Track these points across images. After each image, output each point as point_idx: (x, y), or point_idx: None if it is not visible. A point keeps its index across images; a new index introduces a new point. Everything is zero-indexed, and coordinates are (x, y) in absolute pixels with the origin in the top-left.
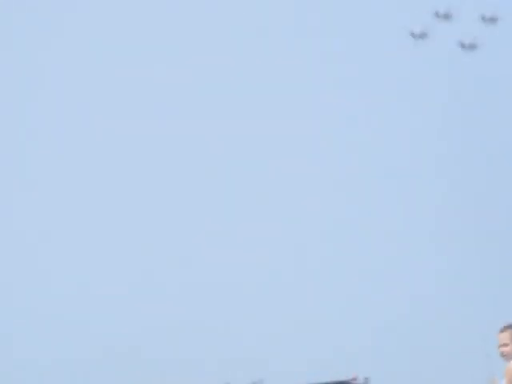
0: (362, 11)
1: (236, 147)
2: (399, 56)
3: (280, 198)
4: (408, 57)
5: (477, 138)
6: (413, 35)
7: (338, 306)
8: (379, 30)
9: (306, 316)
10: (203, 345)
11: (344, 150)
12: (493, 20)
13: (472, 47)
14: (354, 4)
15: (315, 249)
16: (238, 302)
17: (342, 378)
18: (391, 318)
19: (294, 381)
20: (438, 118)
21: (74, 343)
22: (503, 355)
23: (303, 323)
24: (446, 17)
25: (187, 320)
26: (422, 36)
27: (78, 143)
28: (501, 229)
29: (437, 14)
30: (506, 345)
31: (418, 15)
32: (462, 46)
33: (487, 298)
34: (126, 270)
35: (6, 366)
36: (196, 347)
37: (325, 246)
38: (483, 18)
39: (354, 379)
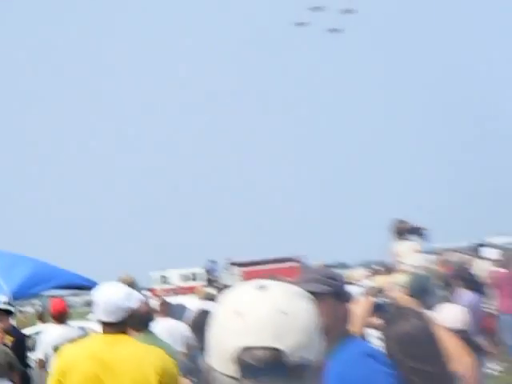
0: (257, 7)
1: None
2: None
3: None
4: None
5: None
6: (296, 24)
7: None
8: (271, 22)
9: None
10: None
11: None
12: (349, 11)
13: (338, 31)
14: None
15: None
16: None
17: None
18: None
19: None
20: None
21: None
22: None
23: None
24: (318, 9)
25: None
26: (304, 24)
27: None
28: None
29: (311, 8)
30: None
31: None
32: (330, 31)
33: None
34: None
35: None
36: None
37: None
38: (342, 10)
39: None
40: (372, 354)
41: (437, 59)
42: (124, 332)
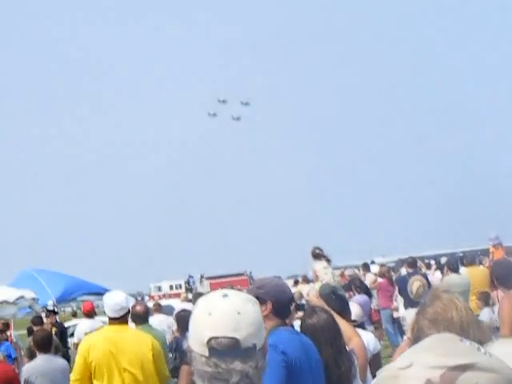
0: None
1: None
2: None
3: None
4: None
5: None
6: (209, 114)
7: None
8: (187, 112)
9: None
10: None
11: None
12: (247, 104)
13: (238, 119)
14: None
15: None
16: None
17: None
18: None
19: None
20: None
21: None
22: None
23: None
24: (224, 101)
25: None
26: (214, 115)
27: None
28: None
29: (219, 100)
30: None
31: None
32: (233, 118)
33: None
34: None
35: None
36: None
37: None
38: (242, 102)
39: (245, 272)
40: (273, 345)
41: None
42: (125, 323)
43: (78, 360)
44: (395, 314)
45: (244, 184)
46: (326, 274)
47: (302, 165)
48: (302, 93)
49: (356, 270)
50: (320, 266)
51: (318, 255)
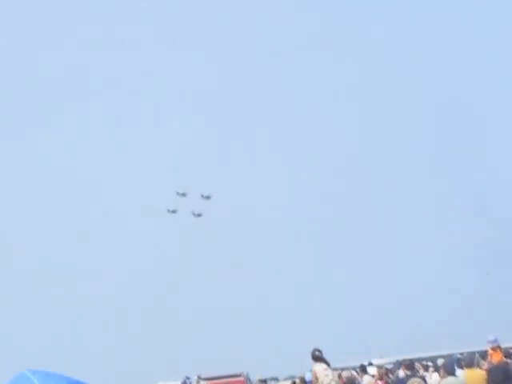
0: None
1: None
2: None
3: None
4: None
5: None
6: (168, 211)
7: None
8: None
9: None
10: None
11: None
12: (208, 197)
13: (199, 215)
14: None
15: None
16: None
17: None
18: None
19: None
20: None
21: None
22: None
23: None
24: (183, 195)
25: None
26: (174, 211)
27: None
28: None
29: (177, 193)
30: None
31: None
32: (193, 214)
33: None
34: None
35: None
36: None
37: None
38: (202, 196)
39: (241, 374)
40: None
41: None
42: None
43: None
44: None
45: (238, 283)
46: (326, 376)
47: (288, 258)
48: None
49: (354, 372)
50: (320, 367)
51: (318, 357)
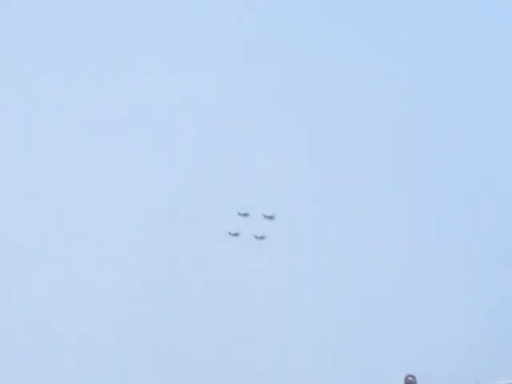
0: None
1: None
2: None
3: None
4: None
5: None
6: (230, 234)
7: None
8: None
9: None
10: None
11: None
12: (271, 217)
13: (262, 238)
14: None
15: None
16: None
17: None
18: None
19: None
20: None
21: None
22: None
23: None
24: (245, 215)
25: None
26: (236, 234)
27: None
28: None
29: (239, 213)
30: None
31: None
32: (256, 237)
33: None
34: None
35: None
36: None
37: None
38: (265, 216)
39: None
40: None
41: None
42: None
43: None
44: None
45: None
46: None
47: None
48: None
49: None
50: None
51: (410, 383)
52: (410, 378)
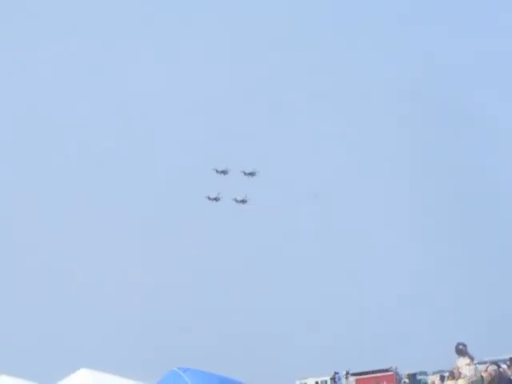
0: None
1: None
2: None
3: None
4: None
5: None
6: (209, 198)
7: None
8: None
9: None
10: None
11: None
12: (252, 174)
13: (243, 201)
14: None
15: None
16: None
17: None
18: None
19: None
20: None
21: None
22: None
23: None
24: (224, 172)
25: None
26: (217, 199)
27: None
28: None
29: (216, 171)
30: None
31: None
32: (236, 200)
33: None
34: None
35: None
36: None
37: None
38: (244, 173)
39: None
40: None
41: None
42: None
43: None
44: None
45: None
46: (468, 371)
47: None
48: None
49: (504, 365)
50: (463, 362)
51: (461, 351)
52: (460, 347)
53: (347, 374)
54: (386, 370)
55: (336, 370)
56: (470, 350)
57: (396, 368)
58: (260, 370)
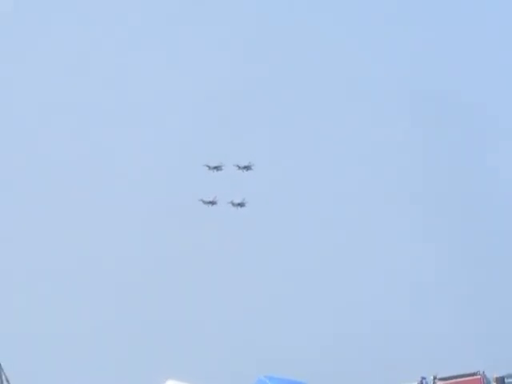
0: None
1: None
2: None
3: None
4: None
5: None
6: (203, 202)
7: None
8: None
9: None
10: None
11: None
12: (247, 167)
13: (241, 205)
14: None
15: None
16: None
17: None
18: None
19: None
20: None
21: None
22: None
23: None
24: (218, 168)
25: None
26: (212, 203)
27: None
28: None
29: (208, 166)
30: None
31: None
32: (233, 204)
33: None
34: None
35: None
36: None
37: None
38: (239, 167)
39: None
40: None
41: None
42: None
43: None
44: None
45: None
46: None
47: None
48: None
49: None
50: None
51: None
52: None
53: (435, 378)
54: (473, 374)
55: (423, 375)
56: None
57: (483, 372)
58: (346, 375)
